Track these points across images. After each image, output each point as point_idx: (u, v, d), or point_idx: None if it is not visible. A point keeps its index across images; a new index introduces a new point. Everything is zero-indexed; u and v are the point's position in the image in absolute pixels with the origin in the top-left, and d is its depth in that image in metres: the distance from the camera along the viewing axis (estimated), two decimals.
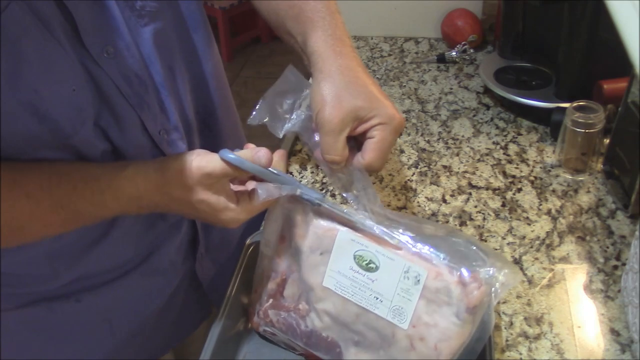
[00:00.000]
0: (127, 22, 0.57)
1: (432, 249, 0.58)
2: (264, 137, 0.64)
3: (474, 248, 0.57)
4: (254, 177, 0.61)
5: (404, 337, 0.58)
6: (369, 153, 0.59)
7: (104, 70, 0.55)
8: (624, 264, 0.76)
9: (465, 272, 0.56)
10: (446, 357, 0.56)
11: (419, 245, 0.58)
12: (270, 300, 0.66)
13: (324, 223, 0.61)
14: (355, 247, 0.59)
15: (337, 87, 0.59)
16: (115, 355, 0.74)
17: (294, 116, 0.63)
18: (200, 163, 0.56)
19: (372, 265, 0.58)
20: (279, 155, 0.64)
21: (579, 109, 0.86)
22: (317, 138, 0.61)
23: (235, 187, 0.61)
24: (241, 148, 0.58)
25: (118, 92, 0.57)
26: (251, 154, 0.57)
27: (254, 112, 0.62)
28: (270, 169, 0.58)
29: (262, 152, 0.57)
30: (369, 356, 0.61)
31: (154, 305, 0.75)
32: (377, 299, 0.58)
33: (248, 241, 0.72)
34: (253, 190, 0.59)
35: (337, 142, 0.58)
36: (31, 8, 0.47)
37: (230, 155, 0.55)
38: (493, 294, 0.55)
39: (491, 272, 0.55)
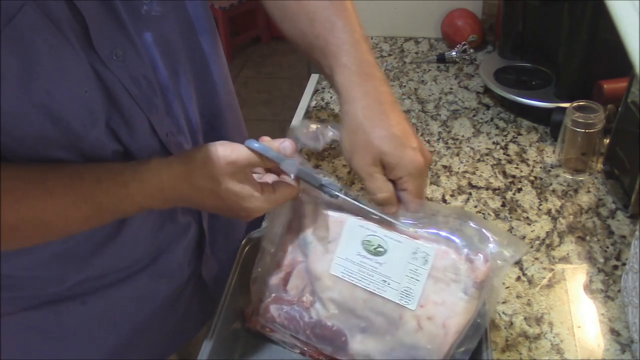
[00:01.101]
0: (134, 26, 0.57)
1: (438, 232, 0.59)
2: (263, 136, 0.64)
3: (480, 228, 0.59)
4: (271, 171, 0.63)
5: (412, 317, 0.59)
6: (412, 206, 0.61)
7: (113, 73, 0.55)
8: (624, 264, 0.76)
9: (471, 249, 0.57)
10: (454, 334, 0.57)
11: (426, 229, 0.60)
12: (272, 296, 0.66)
13: (333, 212, 0.63)
14: (364, 232, 0.60)
15: (363, 132, 0.60)
16: (119, 356, 0.74)
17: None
18: (225, 152, 0.57)
19: (380, 249, 0.60)
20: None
21: (579, 109, 0.86)
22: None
23: (258, 179, 0.62)
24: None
25: (127, 94, 0.57)
26: (276, 144, 0.59)
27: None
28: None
29: (287, 142, 0.59)
30: (375, 342, 0.61)
31: (159, 306, 0.75)
32: (385, 282, 0.59)
33: (244, 241, 0.72)
34: (275, 183, 0.61)
35: (378, 181, 0.60)
36: (43, 9, 0.47)
37: (256, 144, 0.58)
38: (500, 269, 0.57)
39: (496, 247, 0.57)
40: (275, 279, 0.66)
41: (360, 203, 0.61)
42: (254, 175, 0.61)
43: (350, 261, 0.61)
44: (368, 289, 0.60)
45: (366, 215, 0.62)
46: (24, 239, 0.56)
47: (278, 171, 0.63)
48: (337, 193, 0.61)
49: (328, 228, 0.62)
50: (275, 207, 0.62)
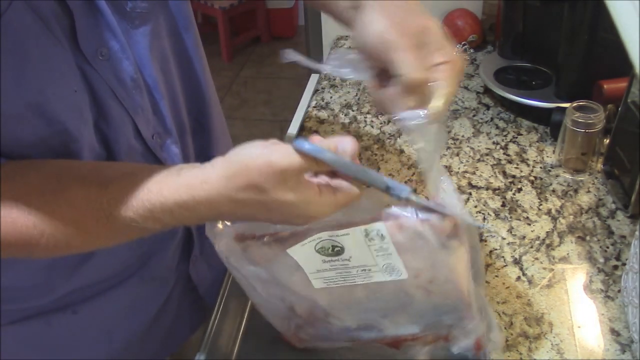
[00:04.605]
0: (119, 24, 0.56)
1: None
2: (262, 136, 0.64)
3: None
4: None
5: (416, 288, 0.56)
6: (437, 100, 0.49)
7: (98, 73, 0.54)
8: (624, 264, 0.76)
9: (420, 211, 0.52)
10: (463, 282, 0.55)
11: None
12: (293, 326, 0.65)
13: (276, 247, 0.56)
14: (311, 245, 0.55)
15: (399, 9, 0.50)
16: None
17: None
18: (271, 157, 0.47)
19: (337, 249, 0.55)
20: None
21: (579, 109, 0.86)
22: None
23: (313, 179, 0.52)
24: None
25: (112, 95, 0.56)
26: (334, 143, 0.48)
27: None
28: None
29: (347, 141, 0.48)
30: (402, 318, 0.60)
31: (150, 310, 0.75)
32: (364, 270, 0.56)
33: None
34: (334, 183, 0.51)
35: (416, 57, 0.47)
36: (32, 7, 0.47)
37: (307, 146, 0.47)
38: (460, 208, 0.52)
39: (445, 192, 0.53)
40: (283, 312, 0.63)
41: (430, 203, 0.52)
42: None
43: (323, 270, 0.56)
44: (357, 282, 0.57)
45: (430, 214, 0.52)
46: (48, 251, 0.51)
47: (331, 172, 0.52)
48: (406, 195, 0.51)
49: (283, 258, 0.56)
50: (336, 211, 0.51)
